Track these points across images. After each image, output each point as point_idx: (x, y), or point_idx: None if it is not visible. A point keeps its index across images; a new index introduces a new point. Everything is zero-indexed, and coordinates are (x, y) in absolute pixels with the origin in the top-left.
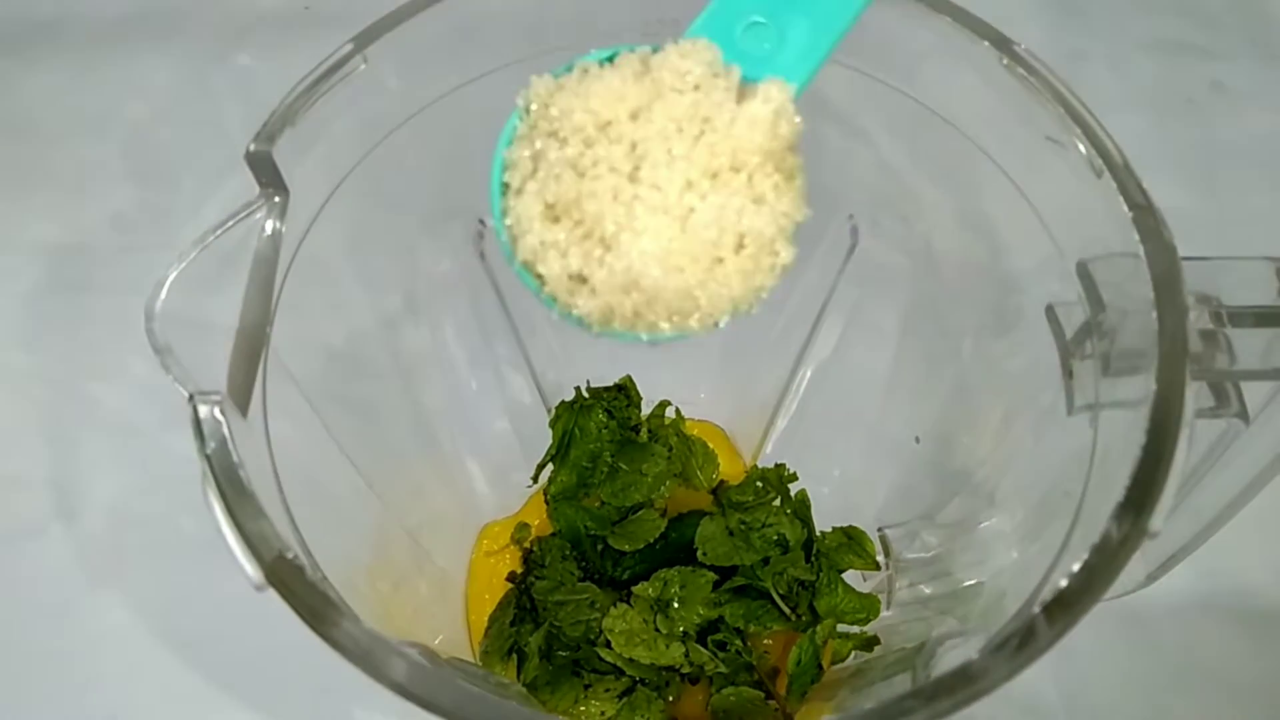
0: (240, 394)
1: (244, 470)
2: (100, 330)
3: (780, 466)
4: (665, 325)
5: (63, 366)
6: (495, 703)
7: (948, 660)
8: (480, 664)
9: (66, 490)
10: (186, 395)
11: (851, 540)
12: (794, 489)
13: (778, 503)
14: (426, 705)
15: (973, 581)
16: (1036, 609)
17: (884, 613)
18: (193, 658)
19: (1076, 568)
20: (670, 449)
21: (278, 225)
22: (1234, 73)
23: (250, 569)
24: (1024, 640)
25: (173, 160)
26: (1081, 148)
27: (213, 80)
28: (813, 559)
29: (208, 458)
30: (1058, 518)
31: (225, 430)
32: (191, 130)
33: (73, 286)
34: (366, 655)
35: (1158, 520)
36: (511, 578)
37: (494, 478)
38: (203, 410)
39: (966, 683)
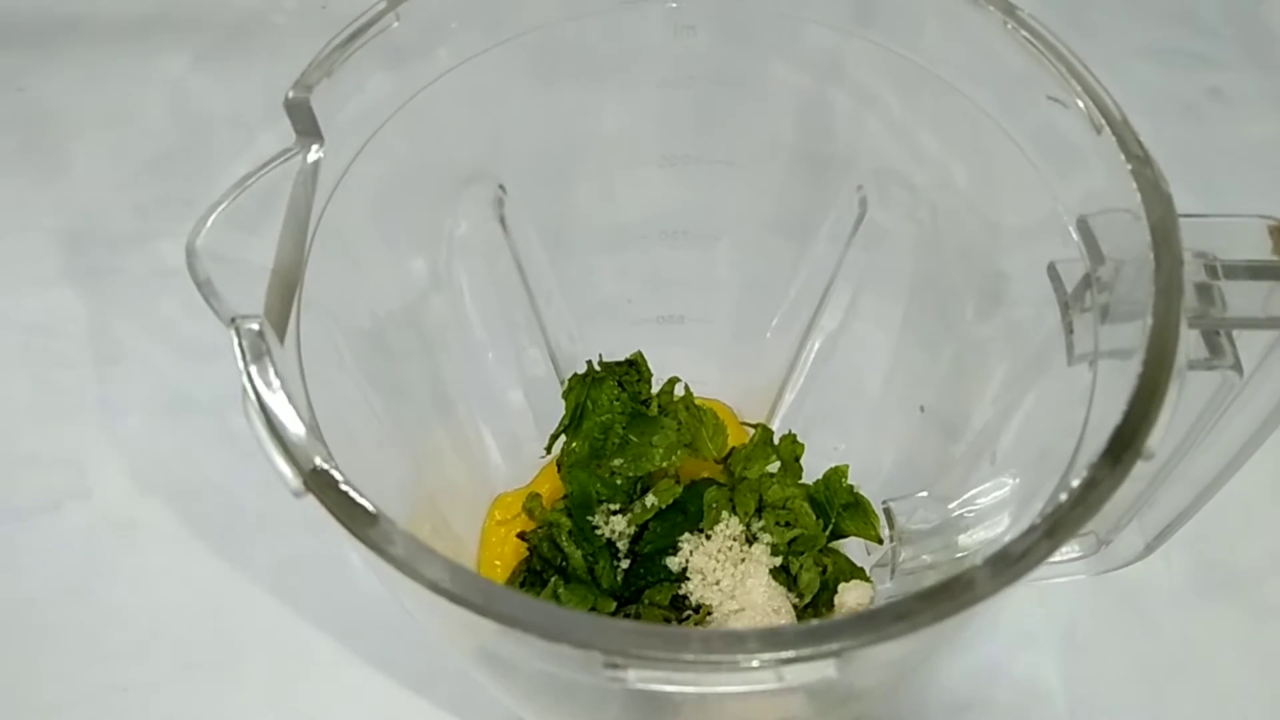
0: (278, 324)
1: (285, 385)
2: (120, 314)
3: (789, 436)
4: None
5: (83, 349)
6: (525, 600)
7: None
8: None
9: (84, 469)
10: (228, 320)
11: (858, 505)
12: (824, 467)
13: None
14: (462, 603)
15: (971, 549)
16: (1037, 519)
17: (886, 584)
18: (209, 627)
19: (1076, 483)
20: (680, 423)
21: (313, 170)
22: (1232, 81)
23: (290, 474)
24: (1011, 553)
25: (191, 152)
26: (1081, 105)
27: (231, 76)
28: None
29: (249, 374)
30: (1054, 474)
31: (266, 349)
32: (210, 123)
33: (93, 272)
34: (404, 555)
35: (1156, 437)
36: (522, 537)
37: (508, 448)
38: (245, 328)
39: (946, 596)
